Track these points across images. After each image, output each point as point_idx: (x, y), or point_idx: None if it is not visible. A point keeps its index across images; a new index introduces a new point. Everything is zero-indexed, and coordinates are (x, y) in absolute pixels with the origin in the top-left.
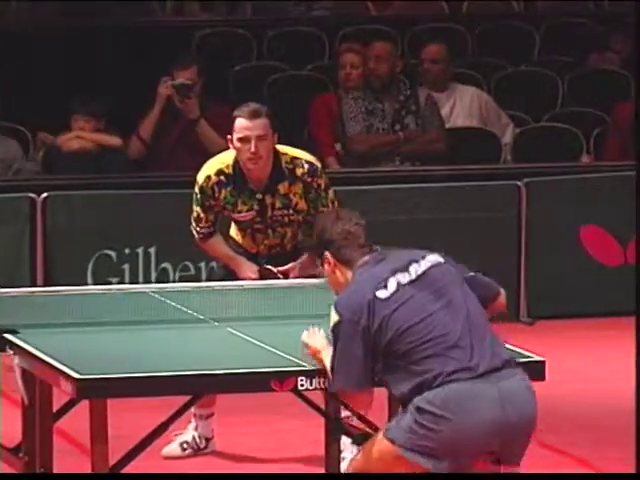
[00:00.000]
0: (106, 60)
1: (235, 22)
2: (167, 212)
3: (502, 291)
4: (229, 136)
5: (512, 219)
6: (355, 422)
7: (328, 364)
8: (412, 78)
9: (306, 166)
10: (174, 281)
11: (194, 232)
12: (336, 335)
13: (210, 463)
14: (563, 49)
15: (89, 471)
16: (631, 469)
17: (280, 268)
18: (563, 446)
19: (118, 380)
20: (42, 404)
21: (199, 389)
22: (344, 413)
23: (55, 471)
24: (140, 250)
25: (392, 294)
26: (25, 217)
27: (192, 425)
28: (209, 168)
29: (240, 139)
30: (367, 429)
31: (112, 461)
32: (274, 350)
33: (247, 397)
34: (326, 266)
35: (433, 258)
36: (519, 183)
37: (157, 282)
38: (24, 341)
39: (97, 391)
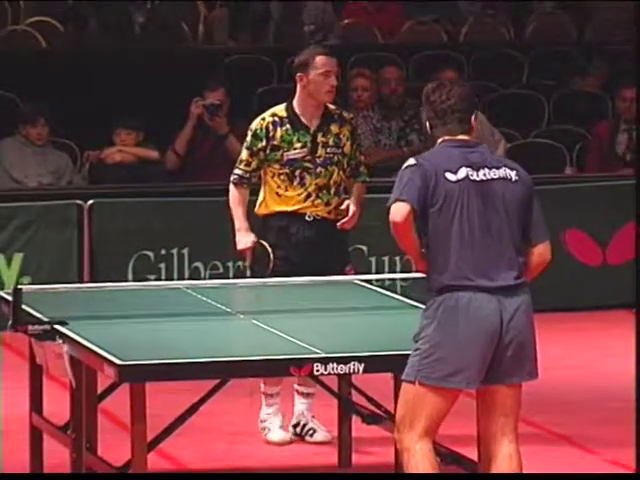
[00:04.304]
0: (145, 83)
1: (259, 50)
2: (199, 217)
3: (544, 245)
4: (299, 74)
5: None
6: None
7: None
8: (416, 100)
9: (351, 114)
10: (205, 278)
11: (231, 176)
12: (405, 171)
13: (234, 440)
14: (549, 74)
15: (129, 446)
16: (611, 450)
17: (343, 221)
18: (551, 426)
19: (155, 366)
20: (88, 387)
21: (227, 373)
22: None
23: (99, 446)
24: (175, 251)
25: (457, 181)
26: (73, 222)
27: (274, 409)
28: (263, 115)
29: (322, 74)
30: (376, 410)
31: (150, 437)
32: (293, 339)
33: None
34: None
35: (505, 172)
36: None
37: (190, 279)
38: (72, 331)
39: (137, 375)
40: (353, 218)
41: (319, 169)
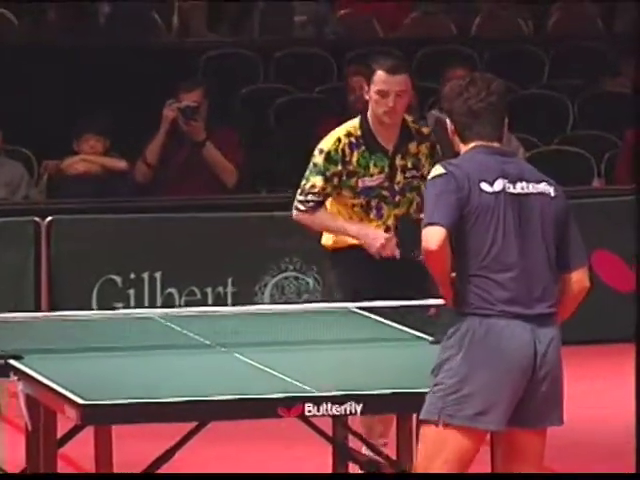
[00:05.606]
0: (111, 82)
1: (242, 43)
2: (173, 236)
3: (583, 270)
4: (366, 87)
5: None
6: (365, 450)
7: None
8: (421, 101)
9: (430, 128)
10: (180, 306)
11: (299, 205)
12: (434, 183)
13: None
14: (573, 72)
15: None
16: None
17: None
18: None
19: (123, 406)
20: (46, 430)
21: (205, 416)
22: (382, 440)
23: None
24: (146, 275)
25: (493, 193)
26: (30, 241)
27: None
28: (336, 132)
29: (379, 92)
30: (376, 457)
31: None
32: (281, 376)
33: (251, 423)
34: (448, 128)
35: (544, 187)
36: None
37: (163, 307)
38: (28, 367)
39: (102, 417)
40: None
41: (397, 197)
